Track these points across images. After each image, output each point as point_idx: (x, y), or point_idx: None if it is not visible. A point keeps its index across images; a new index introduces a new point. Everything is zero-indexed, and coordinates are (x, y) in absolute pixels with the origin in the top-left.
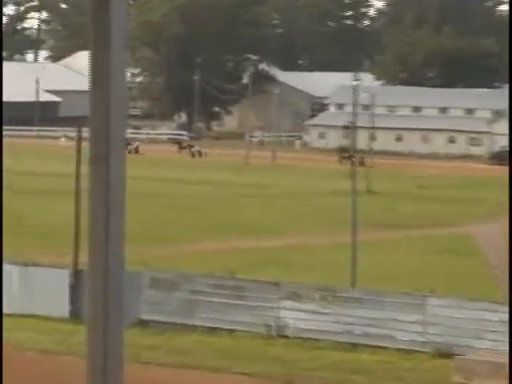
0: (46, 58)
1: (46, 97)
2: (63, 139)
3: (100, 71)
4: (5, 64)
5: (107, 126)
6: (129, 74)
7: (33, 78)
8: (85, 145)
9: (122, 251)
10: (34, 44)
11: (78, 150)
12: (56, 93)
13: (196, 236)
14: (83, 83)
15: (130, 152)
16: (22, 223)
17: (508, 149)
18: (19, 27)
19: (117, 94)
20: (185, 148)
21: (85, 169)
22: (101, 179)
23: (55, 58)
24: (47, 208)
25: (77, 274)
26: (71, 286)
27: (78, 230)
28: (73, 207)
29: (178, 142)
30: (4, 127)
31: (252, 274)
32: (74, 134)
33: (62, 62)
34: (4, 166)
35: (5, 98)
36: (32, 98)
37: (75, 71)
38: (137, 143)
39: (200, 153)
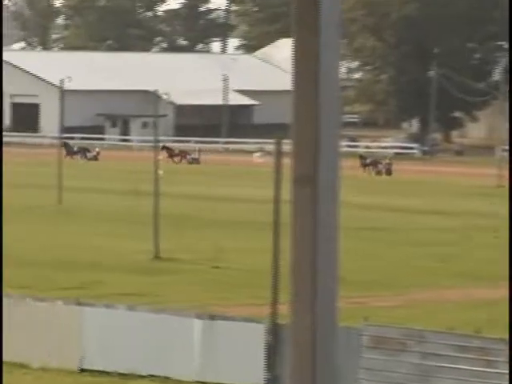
0: (237, 49)
1: (236, 99)
2: (258, 154)
3: (306, 65)
4: (183, 56)
5: (315, 137)
6: (344, 69)
7: (220, 74)
8: (286, 162)
9: (334, 301)
10: (222, 30)
11: (278, 169)
12: (250, 93)
13: (431, 281)
14: (284, 81)
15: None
16: (208, 263)
17: None
18: (203, 8)
19: (328, 96)
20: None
21: (286, 193)
22: (306, 207)
23: (249, 48)
24: (239, 244)
25: (275, 330)
26: (268, 346)
27: (277, 272)
28: (271, 243)
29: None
30: (183, 138)
31: (504, 332)
32: (272, 148)
33: (258, 53)
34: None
35: (184, 101)
36: (218, 101)
37: (274, 65)
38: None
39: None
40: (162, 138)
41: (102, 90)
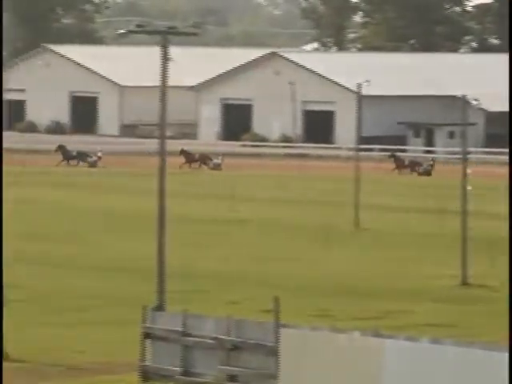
0: None
1: None
2: None
3: None
4: (495, 57)
5: None
6: None
7: None
8: None
9: None
10: None
11: None
12: None
13: None
14: None
15: None
16: None
17: None
18: None
19: None
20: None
21: None
22: None
23: None
24: None
25: None
26: None
27: None
28: None
29: None
30: (494, 150)
31: None
32: None
33: None
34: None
35: (495, 107)
36: None
37: None
38: None
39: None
40: (471, 149)
41: (402, 96)
